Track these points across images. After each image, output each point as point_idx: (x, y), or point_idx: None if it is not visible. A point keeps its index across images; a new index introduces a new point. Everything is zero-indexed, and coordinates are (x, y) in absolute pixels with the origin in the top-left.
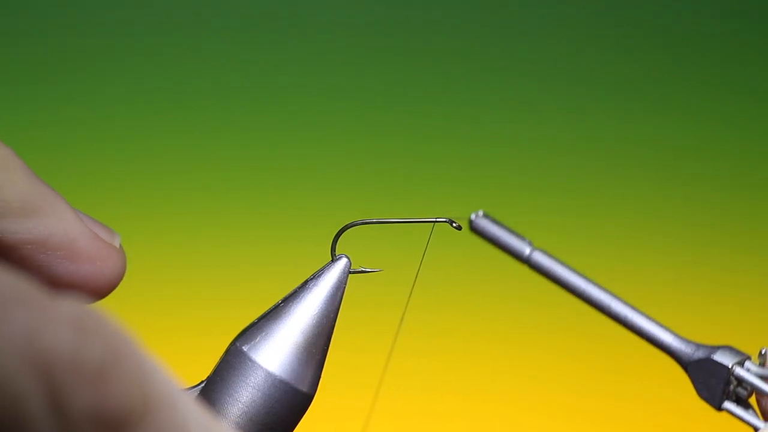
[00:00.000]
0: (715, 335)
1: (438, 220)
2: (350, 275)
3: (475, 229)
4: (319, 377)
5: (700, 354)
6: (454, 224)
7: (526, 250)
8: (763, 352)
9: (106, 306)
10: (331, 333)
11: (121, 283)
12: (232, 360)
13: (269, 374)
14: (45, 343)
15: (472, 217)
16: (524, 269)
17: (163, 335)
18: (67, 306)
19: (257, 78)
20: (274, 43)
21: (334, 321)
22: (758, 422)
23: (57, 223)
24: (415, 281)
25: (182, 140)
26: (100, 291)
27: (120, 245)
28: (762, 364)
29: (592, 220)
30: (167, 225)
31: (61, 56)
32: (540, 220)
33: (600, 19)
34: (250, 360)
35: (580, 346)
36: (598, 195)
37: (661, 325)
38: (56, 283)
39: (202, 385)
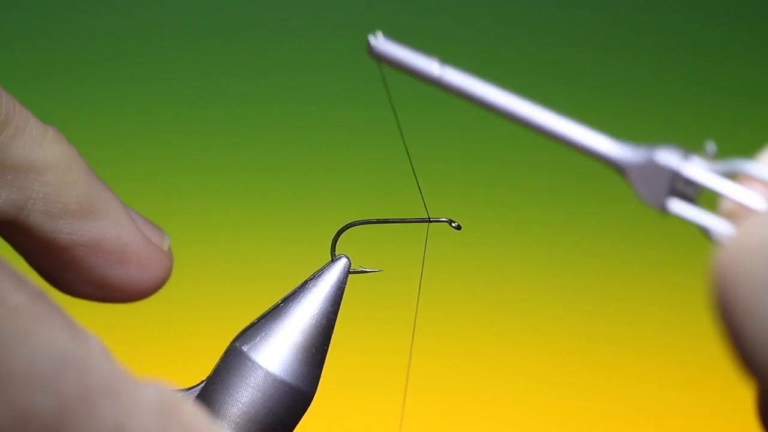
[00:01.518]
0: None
1: (437, 220)
2: (350, 275)
3: (376, 54)
4: (319, 377)
5: (639, 157)
6: (453, 224)
7: (436, 69)
8: (708, 146)
9: (105, 307)
10: (331, 333)
11: None
12: (232, 360)
13: (269, 374)
14: None
15: (371, 40)
16: (525, 270)
17: (163, 335)
18: (151, 393)
19: (257, 78)
20: (275, 44)
21: (334, 321)
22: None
23: (111, 227)
24: (420, 283)
25: (182, 140)
26: (145, 293)
27: (169, 248)
28: (709, 157)
29: (591, 220)
30: (167, 225)
31: (62, 56)
32: (540, 220)
33: (599, 19)
34: (250, 360)
35: (579, 346)
36: (598, 195)
37: (593, 130)
38: (103, 285)
39: (202, 385)
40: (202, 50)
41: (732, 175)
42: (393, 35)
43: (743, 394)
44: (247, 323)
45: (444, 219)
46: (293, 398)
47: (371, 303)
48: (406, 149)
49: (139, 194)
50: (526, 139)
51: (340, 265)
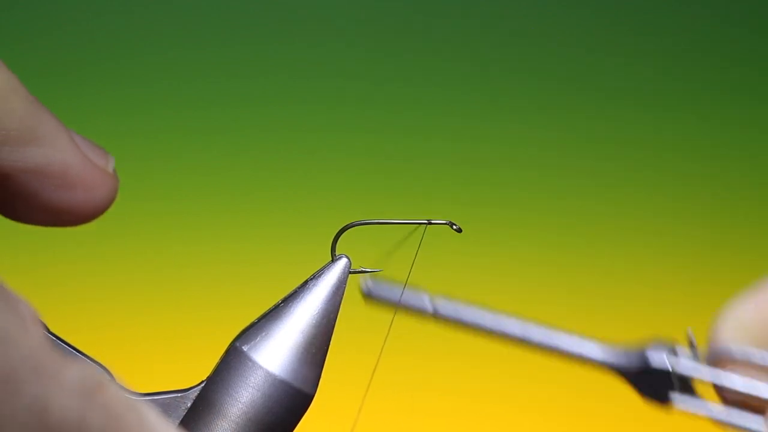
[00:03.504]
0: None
1: (438, 222)
2: (350, 275)
3: (373, 299)
4: (319, 377)
5: (633, 362)
6: (454, 227)
7: (428, 306)
8: (690, 334)
9: (105, 308)
10: (331, 333)
11: (121, 283)
12: (232, 360)
13: (269, 374)
14: (54, 414)
15: (365, 289)
16: (525, 270)
17: (163, 335)
18: (75, 373)
19: (257, 78)
20: (275, 44)
21: (334, 321)
22: (716, 409)
23: (54, 152)
24: (406, 282)
25: (182, 140)
26: (92, 215)
27: (113, 169)
28: (694, 347)
29: (591, 221)
30: (167, 225)
31: (62, 56)
32: (539, 220)
33: (599, 19)
34: (250, 360)
35: None
36: (597, 195)
37: (585, 340)
38: (49, 210)
39: (202, 385)
40: (202, 50)
41: (721, 361)
42: (396, 34)
43: None
44: (247, 323)
45: (445, 222)
46: (293, 398)
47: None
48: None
49: (139, 194)
50: (527, 139)
51: (341, 265)
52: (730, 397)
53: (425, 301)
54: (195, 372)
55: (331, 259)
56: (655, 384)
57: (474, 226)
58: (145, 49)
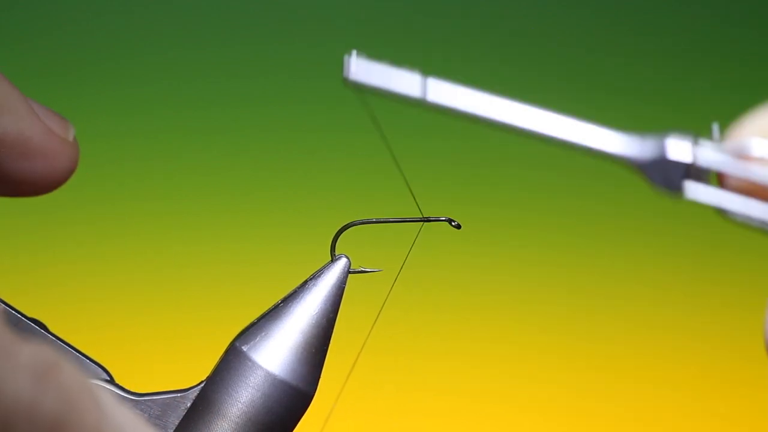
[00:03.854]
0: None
1: (436, 219)
2: (350, 275)
3: (355, 84)
4: (319, 377)
5: (650, 150)
6: (453, 223)
7: (417, 87)
8: (714, 130)
9: (105, 308)
10: (331, 333)
11: (121, 283)
12: (232, 360)
13: (269, 374)
14: (6, 395)
15: (347, 72)
16: (524, 270)
17: (163, 335)
18: (29, 353)
19: (257, 78)
20: (275, 44)
21: (334, 321)
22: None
23: (12, 122)
24: (396, 276)
25: (182, 140)
26: (52, 185)
27: (74, 137)
28: (716, 142)
29: (591, 221)
30: (167, 225)
31: (62, 56)
32: (539, 220)
33: (599, 19)
34: (250, 360)
35: (579, 346)
36: (597, 195)
37: (598, 127)
38: (8, 180)
39: (202, 385)
40: (202, 50)
41: (741, 155)
42: (395, 33)
43: (743, 394)
44: (247, 323)
45: (443, 218)
46: (293, 398)
47: (371, 303)
48: (397, 165)
49: (139, 194)
50: (527, 139)
51: (340, 265)
52: (746, 188)
53: (415, 83)
54: (195, 372)
55: (330, 259)
56: (669, 173)
57: (474, 226)
58: (145, 49)
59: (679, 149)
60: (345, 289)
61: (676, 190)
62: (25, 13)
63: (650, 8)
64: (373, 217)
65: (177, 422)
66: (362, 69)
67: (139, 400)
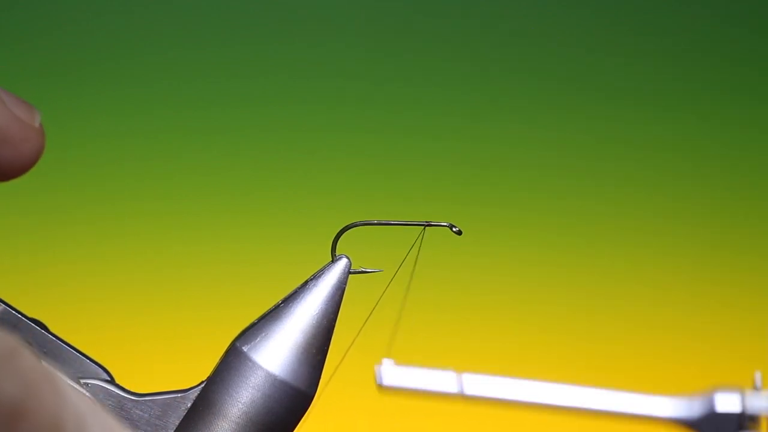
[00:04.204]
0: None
1: (438, 224)
2: (350, 275)
3: (389, 389)
4: (319, 377)
5: (702, 411)
6: (454, 229)
7: (453, 384)
8: (757, 378)
9: (105, 308)
10: (331, 333)
11: (121, 283)
12: (232, 360)
13: (269, 374)
14: None
15: (379, 379)
16: (525, 270)
17: (163, 335)
18: None
19: (257, 78)
20: (275, 44)
21: (334, 321)
22: None
23: None
24: (390, 278)
25: (182, 140)
26: (18, 171)
27: (40, 123)
28: (759, 389)
29: (591, 221)
30: (167, 225)
31: (62, 56)
32: (539, 220)
33: (599, 19)
34: (250, 360)
35: (579, 346)
36: (597, 195)
37: (647, 397)
38: None
39: (203, 385)
40: (202, 50)
41: None
42: (396, 34)
43: None
44: (247, 323)
45: (445, 224)
46: (293, 398)
47: (371, 303)
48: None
49: (139, 194)
50: (527, 138)
51: (341, 265)
52: None
53: (450, 381)
54: (195, 372)
55: (331, 259)
56: (722, 428)
57: (474, 226)
58: (145, 49)
59: (728, 403)
60: (345, 290)
61: None
62: (25, 13)
63: (650, 8)
64: (375, 219)
65: (177, 422)
66: (394, 375)
67: (139, 400)
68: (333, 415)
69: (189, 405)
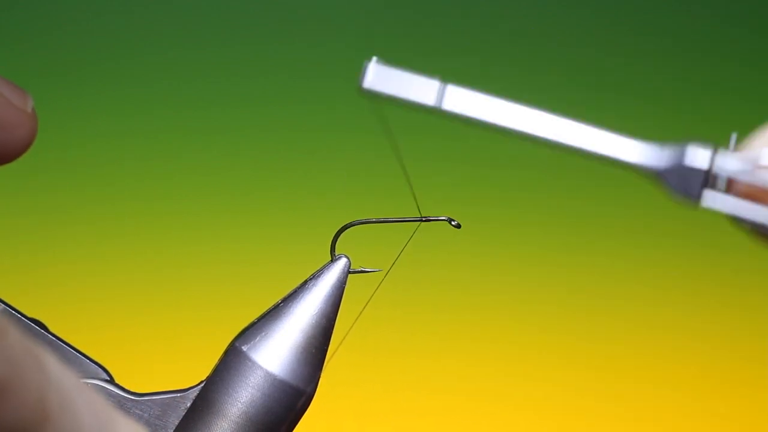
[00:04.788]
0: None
1: (436, 218)
2: (350, 275)
3: (369, 91)
4: (319, 377)
5: (669, 160)
6: (452, 222)
7: (434, 98)
8: (732, 139)
9: (105, 308)
10: (331, 333)
11: (121, 283)
12: (232, 360)
13: (269, 374)
14: None
15: (368, 75)
16: (524, 270)
17: (163, 335)
18: None
19: (257, 78)
20: (275, 44)
21: (334, 321)
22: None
23: None
24: (383, 276)
25: (182, 140)
26: (11, 156)
27: (32, 108)
28: (734, 151)
29: (591, 221)
30: (167, 225)
31: (62, 56)
32: (539, 220)
33: (599, 19)
34: (250, 360)
35: (579, 346)
36: (597, 195)
37: (616, 135)
38: None
39: (202, 385)
40: (202, 50)
41: (757, 165)
42: (395, 34)
43: (743, 394)
44: (246, 323)
45: (443, 218)
46: (293, 398)
47: (371, 303)
48: (403, 167)
49: (139, 194)
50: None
51: (340, 265)
52: (760, 196)
53: (432, 91)
54: (195, 372)
55: (330, 258)
56: (688, 181)
57: (474, 226)
58: (145, 49)
59: (698, 157)
60: (345, 289)
61: (695, 198)
62: (25, 13)
63: (650, 8)
64: (373, 217)
65: (177, 422)
66: (379, 77)
67: (139, 400)
68: (333, 415)
69: (188, 405)
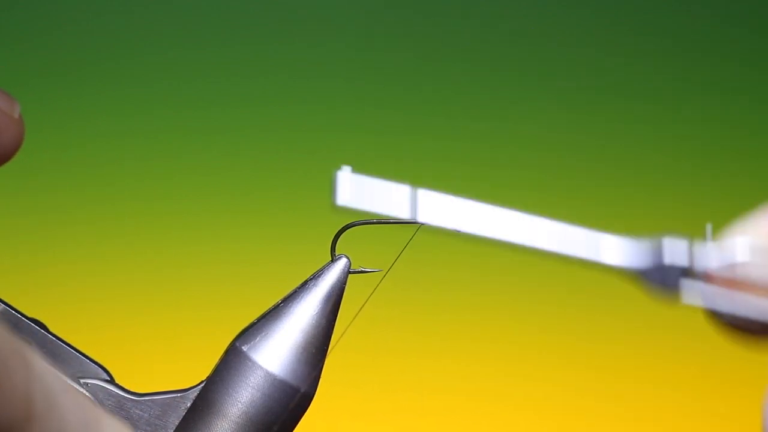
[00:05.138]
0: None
1: None
2: (350, 275)
3: (347, 206)
4: (319, 377)
5: (648, 260)
6: None
7: (408, 211)
8: (708, 230)
9: (105, 308)
10: (331, 333)
11: (121, 282)
12: (232, 360)
13: (269, 374)
14: None
15: (338, 198)
16: (524, 270)
17: (163, 335)
18: None
19: (257, 78)
20: (275, 44)
21: (334, 321)
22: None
23: None
24: (382, 276)
25: (182, 140)
26: None
27: (19, 114)
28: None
29: (591, 221)
30: (167, 225)
31: (62, 56)
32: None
33: (599, 19)
34: (250, 360)
35: (578, 346)
36: (597, 195)
37: (596, 233)
38: None
39: (202, 385)
40: (202, 50)
41: (732, 261)
42: (395, 34)
43: (743, 394)
44: (247, 323)
45: None
46: (293, 398)
47: (371, 303)
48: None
49: (139, 194)
50: (526, 138)
51: (340, 265)
52: (739, 287)
53: (404, 204)
54: (195, 372)
55: (330, 259)
56: (666, 276)
57: None
58: (145, 49)
59: (676, 253)
60: (345, 289)
61: (673, 289)
62: (25, 13)
63: (650, 8)
64: (373, 218)
65: (177, 422)
66: (353, 188)
67: (139, 400)
68: (333, 415)
69: (189, 405)
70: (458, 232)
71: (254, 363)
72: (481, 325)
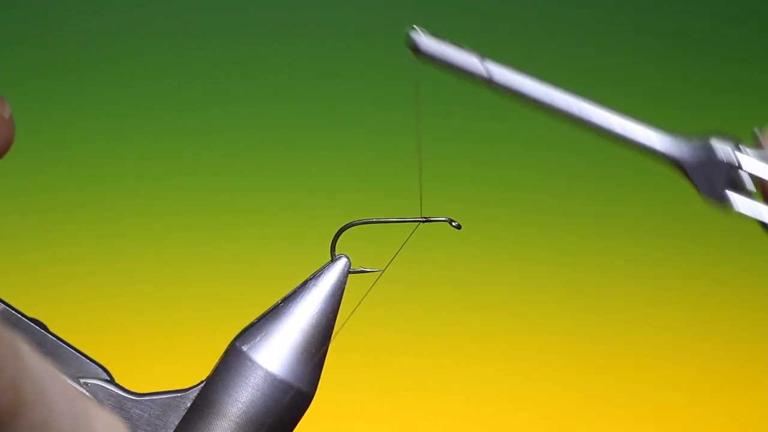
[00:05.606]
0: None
1: (437, 219)
2: (350, 275)
3: (422, 53)
4: (319, 377)
5: (696, 152)
6: (453, 223)
7: (480, 68)
8: (756, 134)
9: (105, 308)
10: (331, 333)
11: (121, 282)
12: (232, 360)
13: (269, 374)
14: None
15: (415, 37)
16: (524, 270)
17: (163, 335)
18: None
19: (257, 78)
20: (275, 44)
21: (334, 321)
22: None
23: None
24: (378, 276)
25: (182, 141)
26: None
27: (10, 115)
28: (757, 147)
29: (591, 221)
30: (167, 225)
31: (62, 56)
32: (539, 220)
33: (599, 19)
34: (250, 360)
35: (579, 346)
36: (597, 196)
37: (645, 125)
38: None
39: (202, 385)
40: (202, 50)
41: None
42: (395, 34)
43: (743, 394)
44: (246, 323)
45: (444, 218)
46: (293, 398)
47: (371, 303)
48: (419, 151)
49: (139, 194)
50: (526, 138)
51: (340, 265)
52: None
53: (477, 63)
54: (195, 372)
55: (330, 258)
56: (714, 178)
57: (474, 226)
58: (145, 49)
59: (725, 153)
60: (345, 289)
61: (720, 197)
62: (25, 13)
63: (650, 8)
64: (373, 217)
65: (177, 422)
66: (430, 44)
67: (139, 400)
68: (333, 415)
69: (189, 404)
70: (524, 95)
71: (254, 363)
72: (481, 325)
